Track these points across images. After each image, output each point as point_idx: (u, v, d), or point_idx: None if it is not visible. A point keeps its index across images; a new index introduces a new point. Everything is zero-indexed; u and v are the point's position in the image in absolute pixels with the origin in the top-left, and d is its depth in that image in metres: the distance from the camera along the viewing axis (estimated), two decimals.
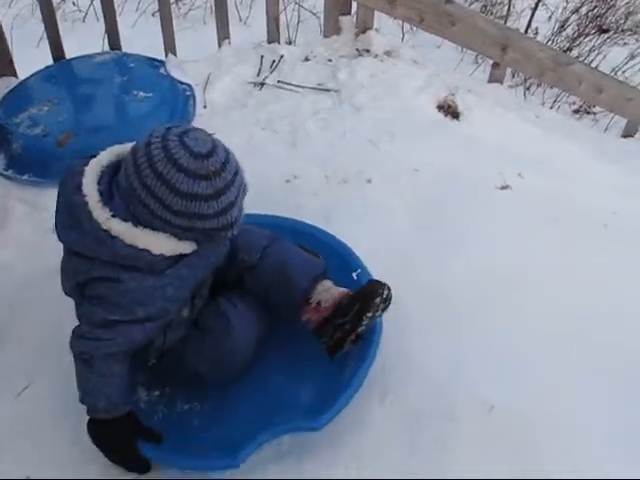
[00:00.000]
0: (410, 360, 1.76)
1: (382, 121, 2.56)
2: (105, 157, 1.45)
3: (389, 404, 1.67)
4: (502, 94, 2.96)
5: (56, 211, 1.45)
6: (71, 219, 1.40)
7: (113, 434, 1.52)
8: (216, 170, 1.34)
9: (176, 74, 2.74)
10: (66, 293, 1.57)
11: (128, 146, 1.44)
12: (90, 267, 1.42)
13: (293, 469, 1.56)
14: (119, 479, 1.55)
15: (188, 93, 2.67)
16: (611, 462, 1.58)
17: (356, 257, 1.88)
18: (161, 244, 1.40)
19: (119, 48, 2.89)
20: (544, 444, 1.60)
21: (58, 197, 1.45)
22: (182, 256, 1.47)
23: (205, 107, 2.60)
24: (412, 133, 2.52)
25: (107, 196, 1.38)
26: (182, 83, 2.71)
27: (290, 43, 3.43)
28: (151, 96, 2.57)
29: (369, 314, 1.60)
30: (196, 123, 2.52)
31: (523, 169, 2.47)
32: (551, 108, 3.73)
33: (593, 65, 3.97)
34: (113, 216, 1.36)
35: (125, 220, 1.37)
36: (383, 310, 1.66)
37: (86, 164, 1.42)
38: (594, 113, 4.00)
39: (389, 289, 1.65)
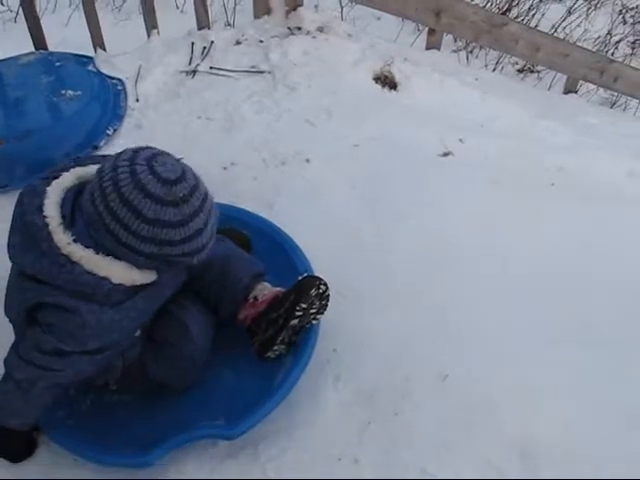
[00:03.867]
0: (362, 339, 1.76)
1: (318, 99, 2.53)
2: (68, 179, 1.40)
3: (342, 386, 1.67)
4: (440, 60, 2.93)
5: (10, 230, 1.39)
6: (28, 241, 1.34)
7: (9, 439, 1.56)
8: (184, 196, 1.30)
9: (106, 69, 2.66)
10: (9, 317, 1.52)
11: (91, 169, 1.39)
12: (43, 291, 1.35)
13: (250, 460, 1.55)
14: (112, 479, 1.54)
15: (119, 88, 2.60)
16: (568, 420, 1.60)
17: (305, 260, 1.83)
18: (122, 273, 1.35)
19: (45, 47, 2.79)
20: (500, 405, 1.62)
21: (14, 217, 1.39)
22: (140, 287, 1.41)
23: (137, 100, 2.54)
24: (349, 108, 2.50)
25: (69, 220, 1.33)
26: (112, 78, 2.63)
27: (227, 26, 3.36)
28: (80, 94, 2.48)
29: (303, 305, 1.59)
30: (129, 117, 2.47)
31: (464, 134, 2.46)
32: (493, 70, 3.72)
33: (533, 24, 3.96)
34: (75, 241, 1.31)
35: (87, 246, 1.32)
36: (319, 310, 1.64)
37: (47, 184, 1.37)
38: (538, 72, 4.00)
39: (326, 285, 1.64)
